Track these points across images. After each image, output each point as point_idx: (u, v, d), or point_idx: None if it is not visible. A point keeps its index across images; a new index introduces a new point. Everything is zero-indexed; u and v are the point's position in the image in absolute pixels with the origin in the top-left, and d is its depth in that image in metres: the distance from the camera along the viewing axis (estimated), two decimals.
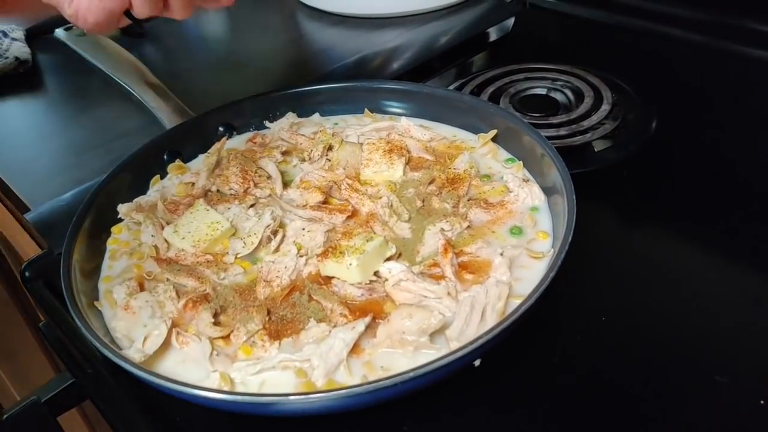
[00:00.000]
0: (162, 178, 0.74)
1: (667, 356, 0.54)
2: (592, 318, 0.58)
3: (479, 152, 0.72)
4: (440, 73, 1.00)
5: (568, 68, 0.90)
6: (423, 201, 0.66)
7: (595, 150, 0.77)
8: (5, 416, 0.63)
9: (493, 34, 1.08)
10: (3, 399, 1.42)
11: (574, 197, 0.58)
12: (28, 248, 0.94)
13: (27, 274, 0.70)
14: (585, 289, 0.61)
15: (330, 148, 0.73)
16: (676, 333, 0.56)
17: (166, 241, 0.64)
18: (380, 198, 0.66)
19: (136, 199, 0.69)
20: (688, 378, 0.52)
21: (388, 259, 0.59)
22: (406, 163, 0.70)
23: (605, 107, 0.82)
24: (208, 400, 0.47)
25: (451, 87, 0.91)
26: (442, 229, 0.61)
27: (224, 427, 0.53)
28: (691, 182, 0.73)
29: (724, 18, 0.91)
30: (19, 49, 1.07)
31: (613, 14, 1.02)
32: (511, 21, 1.07)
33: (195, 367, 0.53)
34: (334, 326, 0.54)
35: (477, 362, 0.51)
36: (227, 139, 0.78)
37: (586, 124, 0.80)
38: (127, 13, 0.61)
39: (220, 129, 0.79)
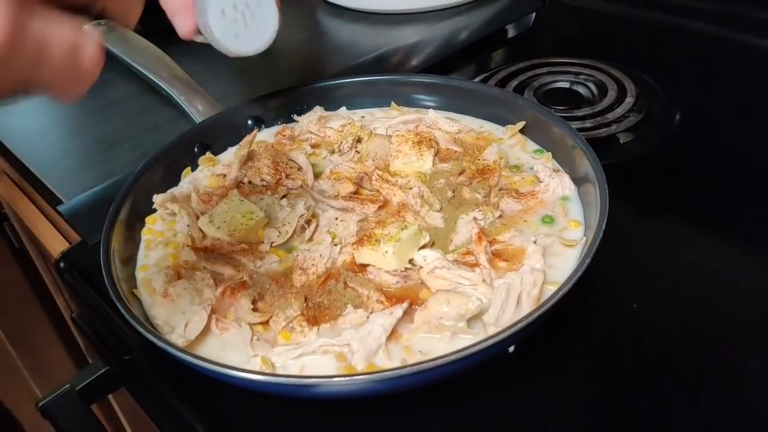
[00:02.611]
0: (193, 170, 0.75)
1: (699, 341, 0.55)
2: (623, 305, 0.59)
3: (507, 143, 0.73)
4: (459, 69, 1.01)
5: (591, 62, 0.91)
6: (453, 191, 0.67)
7: (621, 142, 0.78)
8: (40, 404, 0.64)
9: (513, 29, 1.09)
10: (24, 392, 1.43)
11: (606, 186, 0.58)
12: (55, 242, 0.96)
13: (62, 264, 0.71)
14: (615, 277, 0.61)
15: (359, 140, 0.74)
16: (707, 319, 0.57)
17: (201, 230, 0.65)
18: (411, 188, 0.67)
19: (170, 190, 0.70)
20: (722, 362, 0.53)
21: (422, 247, 0.59)
22: (435, 155, 0.71)
23: (629, 100, 0.82)
24: (255, 383, 0.48)
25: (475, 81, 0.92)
26: (475, 218, 0.62)
27: (263, 411, 0.54)
28: (716, 173, 0.73)
29: (746, 11, 0.92)
30: None
31: (634, 8, 1.02)
32: (532, 16, 1.08)
33: (235, 352, 0.54)
34: (371, 312, 0.54)
35: (511, 348, 0.52)
36: (257, 131, 0.79)
37: (610, 116, 0.80)
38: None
39: (249, 122, 0.80)
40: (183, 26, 0.61)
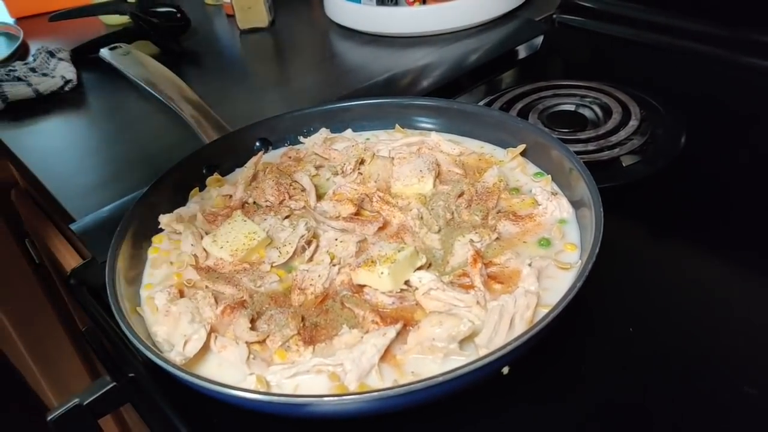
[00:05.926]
0: (201, 190, 0.77)
1: (695, 367, 0.55)
2: (620, 329, 0.59)
3: (508, 166, 0.74)
4: (469, 90, 1.02)
5: (596, 85, 0.91)
6: (452, 213, 0.67)
7: (624, 165, 0.78)
8: (49, 418, 0.66)
9: (522, 51, 1.10)
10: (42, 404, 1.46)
11: (602, 210, 0.59)
12: (71, 258, 0.98)
13: (72, 281, 0.73)
14: (613, 301, 0.62)
15: (362, 162, 0.75)
16: (704, 344, 0.57)
17: (204, 250, 0.66)
18: (411, 210, 0.67)
19: (176, 210, 0.72)
20: (717, 389, 0.53)
21: (419, 268, 0.60)
22: (436, 177, 0.72)
23: (633, 123, 0.83)
24: (247, 401, 0.49)
25: (481, 103, 0.93)
26: (472, 241, 0.62)
27: (259, 428, 0.55)
28: (719, 197, 0.73)
29: (752, 34, 0.92)
30: (66, 68, 1.12)
31: (641, 32, 1.03)
32: (540, 39, 1.09)
33: (232, 370, 0.55)
34: (366, 332, 0.55)
35: (505, 370, 0.52)
36: (263, 153, 0.80)
37: (614, 139, 0.81)
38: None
39: (257, 144, 0.82)
40: None
